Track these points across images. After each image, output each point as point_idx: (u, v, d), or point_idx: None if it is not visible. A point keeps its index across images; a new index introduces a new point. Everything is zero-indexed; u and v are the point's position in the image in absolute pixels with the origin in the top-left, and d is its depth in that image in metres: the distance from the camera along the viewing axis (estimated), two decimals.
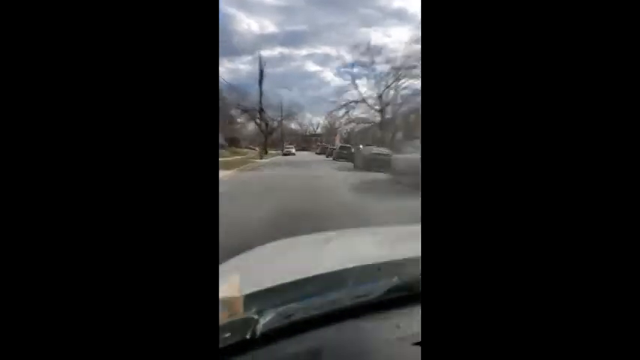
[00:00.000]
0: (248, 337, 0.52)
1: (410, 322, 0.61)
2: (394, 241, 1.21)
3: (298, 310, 0.57)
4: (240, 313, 0.54)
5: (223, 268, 0.96)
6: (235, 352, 0.51)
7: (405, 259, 0.79)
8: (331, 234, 1.31)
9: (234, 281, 0.82)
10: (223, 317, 0.54)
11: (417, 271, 0.70)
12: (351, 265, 0.73)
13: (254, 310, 0.55)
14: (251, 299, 0.57)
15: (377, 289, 0.63)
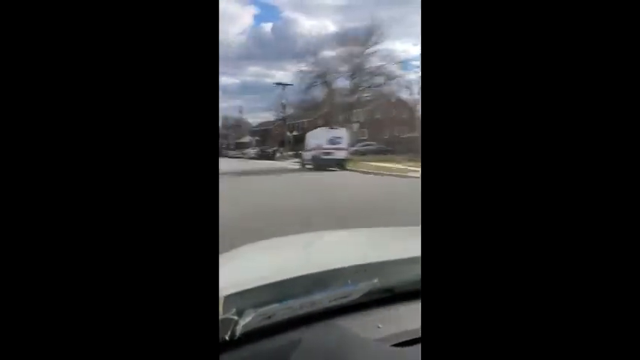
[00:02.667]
0: (227, 337, 0.52)
1: (390, 323, 0.63)
2: (376, 242, 1.21)
3: (278, 311, 0.58)
4: (220, 313, 0.54)
5: None
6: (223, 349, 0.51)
7: (386, 261, 0.79)
8: (313, 235, 1.30)
9: None
10: None
11: (397, 272, 0.72)
12: (332, 267, 0.73)
13: (234, 310, 0.55)
14: (231, 300, 0.57)
15: (357, 290, 0.64)
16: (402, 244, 1.07)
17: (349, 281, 0.66)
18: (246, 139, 44.56)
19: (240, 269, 0.90)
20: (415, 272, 0.57)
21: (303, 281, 0.68)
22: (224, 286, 0.52)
